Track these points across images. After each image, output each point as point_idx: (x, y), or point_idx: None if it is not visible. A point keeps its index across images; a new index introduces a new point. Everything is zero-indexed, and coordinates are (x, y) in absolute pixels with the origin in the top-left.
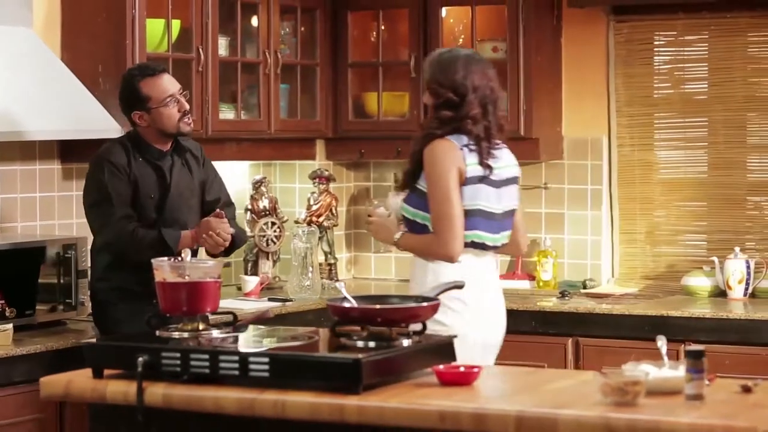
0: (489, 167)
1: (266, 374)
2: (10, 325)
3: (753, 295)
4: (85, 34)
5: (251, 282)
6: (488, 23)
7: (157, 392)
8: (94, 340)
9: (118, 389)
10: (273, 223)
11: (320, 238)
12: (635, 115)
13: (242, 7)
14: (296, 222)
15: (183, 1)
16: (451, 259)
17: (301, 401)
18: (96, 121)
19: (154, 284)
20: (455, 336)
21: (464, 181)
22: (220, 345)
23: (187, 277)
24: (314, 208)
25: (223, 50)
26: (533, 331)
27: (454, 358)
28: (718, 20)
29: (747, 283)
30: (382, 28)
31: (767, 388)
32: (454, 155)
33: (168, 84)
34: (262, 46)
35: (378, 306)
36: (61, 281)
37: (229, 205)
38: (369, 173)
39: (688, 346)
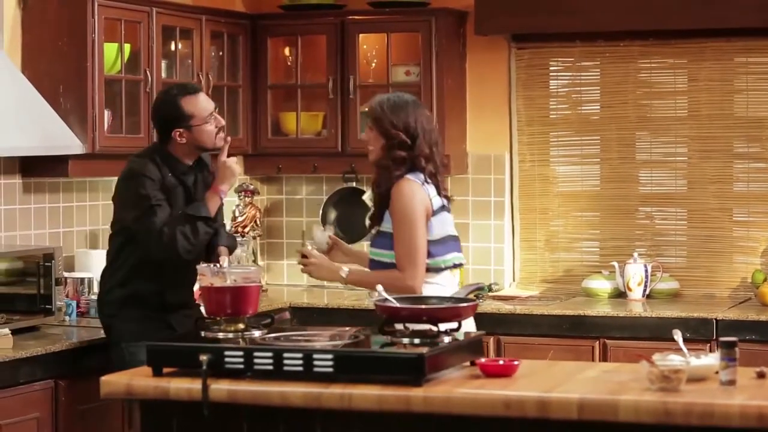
0: (447, 197)
1: (330, 370)
2: (7, 329)
3: (649, 296)
4: (46, 55)
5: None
6: (401, 49)
7: (222, 388)
8: (155, 342)
9: (182, 386)
10: None
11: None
12: (535, 134)
13: (180, 32)
14: None
15: (132, 26)
16: (415, 293)
17: (368, 393)
18: (60, 138)
19: (168, 293)
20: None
21: (432, 214)
22: (281, 343)
23: (233, 282)
24: (240, 219)
25: (163, 73)
26: None
27: (482, 353)
28: (612, 48)
29: (645, 285)
30: (300, 53)
31: None
32: (421, 195)
33: (207, 102)
34: (195, 68)
35: (424, 306)
36: (41, 289)
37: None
38: (282, 187)
39: (723, 338)
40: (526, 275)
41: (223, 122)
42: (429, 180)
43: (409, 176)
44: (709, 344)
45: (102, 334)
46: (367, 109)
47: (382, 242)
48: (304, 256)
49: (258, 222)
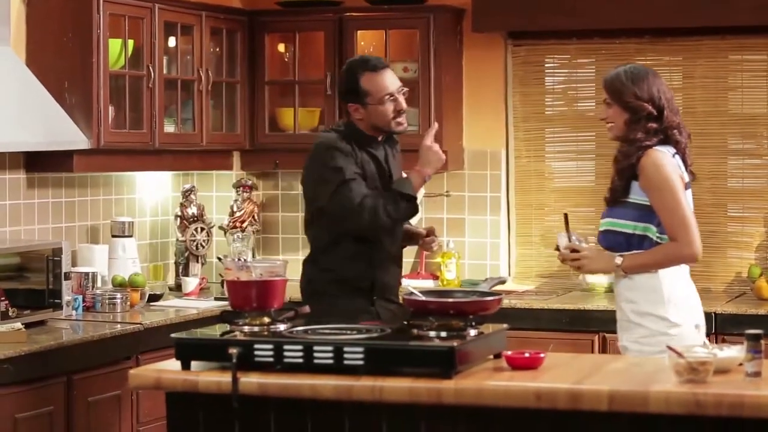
0: (693, 173)
1: (361, 363)
2: (20, 324)
3: None
4: (51, 51)
5: (191, 283)
6: (399, 46)
7: (252, 381)
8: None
9: (211, 379)
10: (202, 229)
11: None
12: (531, 130)
13: (181, 28)
14: (220, 228)
15: (135, 21)
16: (696, 259)
17: (399, 386)
18: (65, 133)
19: (374, 277)
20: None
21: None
22: (311, 337)
23: (259, 276)
24: (238, 214)
25: (164, 69)
26: None
27: (504, 347)
28: (608, 45)
29: None
30: (297, 49)
31: None
32: (672, 163)
33: (388, 81)
34: (195, 65)
35: (451, 300)
36: (50, 283)
37: None
38: (278, 182)
39: (748, 330)
40: (521, 270)
41: (403, 105)
42: (678, 154)
43: (657, 148)
44: (708, 338)
45: (107, 328)
46: (603, 83)
47: (623, 212)
48: (574, 250)
49: (256, 217)
